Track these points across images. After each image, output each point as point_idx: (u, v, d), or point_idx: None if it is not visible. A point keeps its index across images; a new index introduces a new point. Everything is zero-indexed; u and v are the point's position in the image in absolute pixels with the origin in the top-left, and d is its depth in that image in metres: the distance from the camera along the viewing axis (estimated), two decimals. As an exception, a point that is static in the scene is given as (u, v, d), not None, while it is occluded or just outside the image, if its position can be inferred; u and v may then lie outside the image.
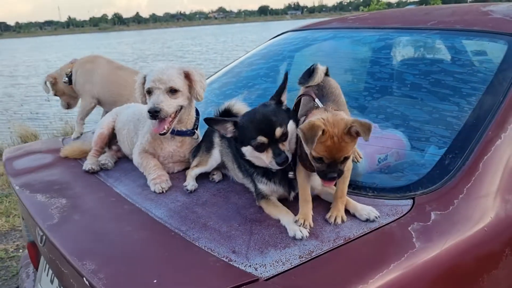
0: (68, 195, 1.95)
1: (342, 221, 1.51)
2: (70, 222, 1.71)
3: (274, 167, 1.62)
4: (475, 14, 2.50)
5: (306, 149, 1.51)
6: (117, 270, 1.37)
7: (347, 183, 1.60)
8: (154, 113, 1.97)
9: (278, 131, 1.60)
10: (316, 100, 1.67)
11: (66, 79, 3.27)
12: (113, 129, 2.53)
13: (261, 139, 1.60)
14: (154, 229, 1.59)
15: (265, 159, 1.62)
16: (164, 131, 2.03)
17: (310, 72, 1.83)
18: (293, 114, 1.75)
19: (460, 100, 1.93)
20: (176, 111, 2.07)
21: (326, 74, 1.86)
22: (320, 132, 1.42)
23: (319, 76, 1.78)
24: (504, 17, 2.31)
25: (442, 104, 1.97)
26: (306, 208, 1.57)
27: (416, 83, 2.14)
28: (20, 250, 4.31)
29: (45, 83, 3.28)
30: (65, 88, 3.34)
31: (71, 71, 3.28)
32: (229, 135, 1.71)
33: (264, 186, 1.72)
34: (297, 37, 3.06)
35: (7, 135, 9.06)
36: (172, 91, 2.02)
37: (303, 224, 1.50)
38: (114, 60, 3.56)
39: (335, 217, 1.52)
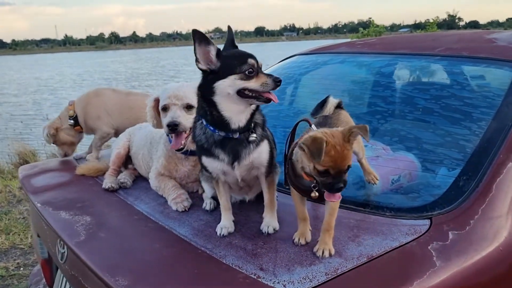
0: (91, 212, 1.99)
1: (330, 254, 1.50)
2: (97, 239, 1.75)
3: (269, 87, 1.63)
4: (480, 42, 2.60)
5: (309, 165, 1.50)
6: (150, 286, 1.41)
7: (335, 216, 1.57)
8: (174, 127, 2.01)
9: (260, 63, 1.69)
10: (313, 126, 1.67)
11: (72, 121, 3.13)
12: (129, 149, 2.59)
13: (251, 61, 1.64)
14: (181, 247, 1.64)
15: (255, 84, 1.63)
16: (181, 146, 2.07)
17: (322, 103, 1.90)
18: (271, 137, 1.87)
19: (471, 124, 2.01)
20: (190, 128, 2.08)
21: (340, 107, 1.92)
22: (325, 143, 1.44)
23: (328, 108, 1.85)
24: (508, 44, 2.42)
25: (453, 127, 2.05)
26: (304, 226, 1.64)
27: (427, 107, 2.22)
28: (21, 269, 4.30)
29: (47, 134, 3.10)
30: (67, 135, 3.16)
31: (74, 113, 3.13)
32: (205, 66, 1.66)
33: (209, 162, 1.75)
34: (306, 61, 3.15)
35: (5, 152, 9.04)
36: (189, 107, 2.07)
37: (299, 241, 1.60)
38: (117, 87, 3.54)
39: (323, 250, 1.51)
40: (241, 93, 1.65)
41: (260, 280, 1.39)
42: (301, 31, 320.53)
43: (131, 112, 3.15)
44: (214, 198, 1.97)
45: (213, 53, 1.65)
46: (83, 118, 3.14)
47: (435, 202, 1.73)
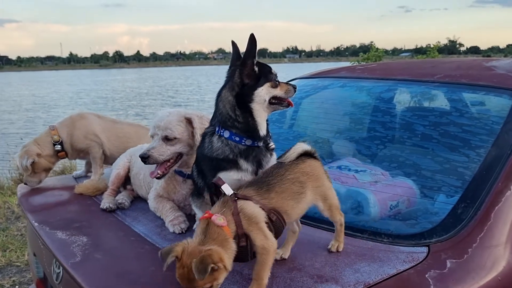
0: (88, 233, 1.99)
1: None
2: (93, 260, 1.74)
3: (291, 93, 1.85)
4: (479, 69, 2.63)
5: None
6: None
7: (267, 266, 1.47)
8: (142, 159, 2.03)
9: None
10: (223, 187, 1.57)
11: (59, 147, 2.93)
12: (129, 170, 2.59)
13: (273, 71, 1.82)
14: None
15: (280, 91, 1.82)
16: (158, 175, 2.07)
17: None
18: None
19: (469, 151, 2.02)
20: (177, 157, 2.11)
21: (311, 155, 1.76)
22: (173, 259, 1.40)
23: (289, 154, 1.71)
24: (507, 73, 2.44)
25: (452, 154, 2.05)
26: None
27: (426, 134, 2.23)
28: (17, 287, 4.26)
29: (30, 163, 2.81)
30: (48, 161, 2.93)
31: (59, 137, 2.94)
32: (248, 80, 1.77)
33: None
34: (307, 84, 3.17)
35: (6, 168, 9.03)
36: (169, 139, 2.06)
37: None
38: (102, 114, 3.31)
39: None
40: (272, 100, 1.82)
41: (255, 306, 1.38)
42: (303, 54, 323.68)
43: (118, 141, 3.07)
44: None
45: (253, 63, 1.77)
46: (69, 143, 2.98)
47: (433, 229, 1.72)
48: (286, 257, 1.69)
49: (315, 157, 1.76)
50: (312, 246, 1.75)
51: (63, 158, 3.03)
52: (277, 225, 1.55)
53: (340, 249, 1.68)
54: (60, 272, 1.90)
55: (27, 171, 2.82)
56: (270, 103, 1.81)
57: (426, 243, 1.66)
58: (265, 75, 1.79)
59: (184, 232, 1.96)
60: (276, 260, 1.67)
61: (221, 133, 1.80)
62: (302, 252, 1.73)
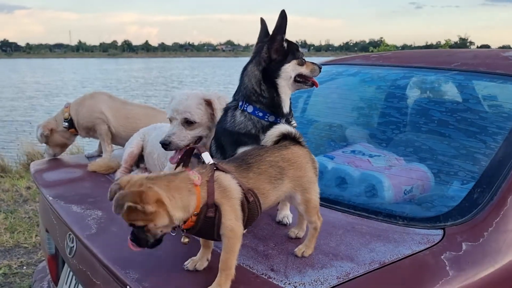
0: (103, 207, 2.00)
1: None
2: (108, 232, 1.75)
3: (316, 72, 1.88)
4: (497, 59, 2.60)
5: None
6: (160, 280, 1.41)
7: (234, 253, 1.38)
8: (164, 145, 2.00)
9: None
10: (203, 154, 1.50)
11: (66, 124, 3.06)
12: (142, 148, 2.60)
13: (301, 49, 1.85)
14: (192, 244, 1.63)
15: (306, 70, 1.85)
16: (177, 161, 2.05)
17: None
18: None
19: (486, 137, 2.00)
20: (196, 141, 2.08)
21: (297, 141, 1.64)
22: (116, 187, 1.31)
23: (268, 137, 1.62)
24: (525, 62, 2.42)
25: (468, 140, 2.04)
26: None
27: (442, 120, 2.22)
28: (24, 267, 4.29)
29: (41, 134, 3.03)
30: (62, 136, 3.11)
31: (69, 115, 3.07)
32: (276, 55, 1.79)
33: None
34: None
35: (14, 151, 9.09)
36: (188, 123, 2.02)
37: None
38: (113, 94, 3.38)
39: None
40: (297, 77, 1.84)
41: (271, 280, 1.38)
42: (312, 48, 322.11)
43: (126, 121, 3.09)
44: None
45: (283, 39, 1.78)
46: (76, 120, 3.08)
47: (448, 213, 1.72)
48: (301, 236, 1.69)
49: (302, 145, 1.64)
50: (326, 226, 1.75)
51: (76, 135, 3.16)
52: (252, 208, 1.43)
53: (306, 255, 1.52)
54: (73, 246, 1.91)
55: (41, 141, 3.08)
56: (295, 80, 1.83)
57: (442, 226, 1.66)
58: (293, 53, 1.81)
59: (198, 209, 1.96)
60: (291, 239, 1.68)
61: (245, 108, 1.81)
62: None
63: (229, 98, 2.05)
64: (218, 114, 2.04)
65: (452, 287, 1.40)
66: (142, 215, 1.26)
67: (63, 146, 3.17)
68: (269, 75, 1.79)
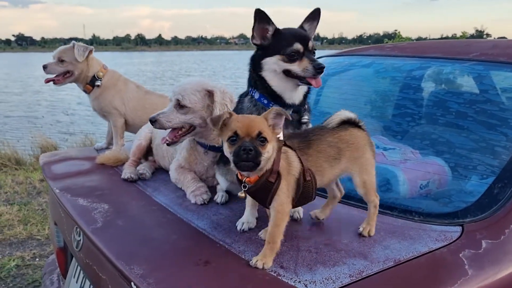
0: (110, 201, 1.96)
1: (263, 267, 1.37)
2: (114, 226, 1.71)
3: (309, 73, 1.69)
4: (518, 48, 2.50)
5: (223, 138, 1.46)
6: (165, 276, 1.36)
7: (280, 227, 1.44)
8: (151, 122, 2.03)
9: (311, 43, 1.74)
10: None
11: (100, 82, 3.00)
12: (151, 140, 2.56)
13: (297, 46, 1.72)
14: (198, 239, 1.59)
15: (297, 67, 1.71)
16: (167, 142, 2.05)
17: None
18: None
19: (507, 130, 1.91)
20: (189, 128, 2.07)
21: (355, 124, 1.67)
22: (226, 115, 1.44)
23: (331, 120, 1.64)
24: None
25: (488, 133, 1.96)
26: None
27: (460, 112, 2.13)
28: (37, 259, 4.31)
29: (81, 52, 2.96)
30: (79, 73, 3.02)
31: (101, 77, 3.03)
32: (258, 41, 1.75)
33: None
34: (334, 61, 3.08)
35: (28, 144, 9.16)
36: (180, 106, 2.02)
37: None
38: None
39: (257, 261, 1.39)
40: (287, 72, 1.74)
41: (280, 278, 1.33)
42: (325, 41, 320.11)
43: (143, 111, 3.06)
44: (227, 191, 1.99)
45: (270, 31, 1.74)
46: (101, 91, 3.03)
47: (467, 208, 1.64)
48: (321, 218, 1.69)
49: (360, 127, 1.67)
50: (339, 222, 1.70)
51: (87, 92, 3.07)
52: (307, 186, 1.50)
53: (372, 234, 1.56)
54: (80, 239, 1.88)
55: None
56: (287, 75, 1.75)
57: (460, 222, 1.58)
58: (280, 47, 1.73)
59: (206, 203, 1.92)
60: (300, 233, 1.62)
61: (253, 94, 1.82)
62: (329, 227, 1.69)
63: (235, 96, 2.05)
64: (218, 107, 2.01)
65: (471, 287, 1.33)
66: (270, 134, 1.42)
67: (72, 80, 3.08)
68: (255, 66, 1.80)
